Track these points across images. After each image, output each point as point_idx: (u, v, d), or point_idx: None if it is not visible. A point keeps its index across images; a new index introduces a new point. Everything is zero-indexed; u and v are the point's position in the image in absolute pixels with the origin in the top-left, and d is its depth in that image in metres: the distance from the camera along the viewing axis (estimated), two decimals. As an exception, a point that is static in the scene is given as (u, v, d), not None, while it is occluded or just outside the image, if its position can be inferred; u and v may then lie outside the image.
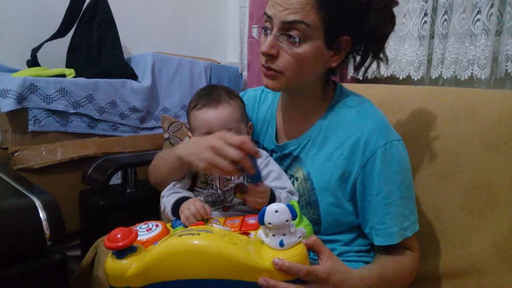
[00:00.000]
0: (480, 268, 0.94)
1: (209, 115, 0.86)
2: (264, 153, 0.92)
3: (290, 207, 0.65)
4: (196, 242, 0.65)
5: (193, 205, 0.78)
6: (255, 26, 0.88)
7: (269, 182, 0.86)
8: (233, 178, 0.85)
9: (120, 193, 1.60)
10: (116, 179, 1.60)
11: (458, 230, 0.97)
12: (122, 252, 0.67)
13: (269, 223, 0.63)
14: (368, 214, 0.83)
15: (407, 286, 0.87)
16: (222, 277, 0.64)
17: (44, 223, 0.99)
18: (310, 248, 0.70)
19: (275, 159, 0.93)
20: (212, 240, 0.65)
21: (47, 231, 0.99)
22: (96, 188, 1.53)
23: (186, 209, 0.78)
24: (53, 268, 1.00)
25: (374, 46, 0.86)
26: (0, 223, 0.95)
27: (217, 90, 0.90)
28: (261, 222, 0.65)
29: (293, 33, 0.78)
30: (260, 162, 0.87)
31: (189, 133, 0.94)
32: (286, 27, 0.78)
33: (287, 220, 0.64)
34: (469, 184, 0.95)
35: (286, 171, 0.91)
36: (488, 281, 0.93)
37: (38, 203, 1.01)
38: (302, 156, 0.89)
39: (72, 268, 1.25)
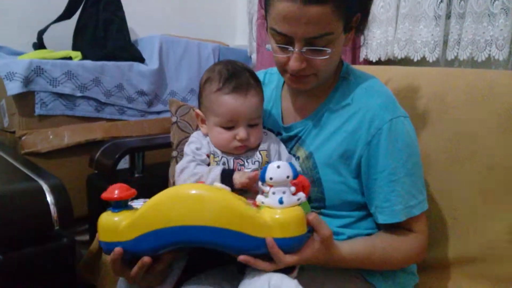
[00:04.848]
0: (495, 255, 0.92)
1: (238, 103, 0.81)
2: (273, 135, 0.90)
3: (291, 165, 0.66)
4: (196, 189, 0.66)
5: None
6: (268, 45, 0.82)
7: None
8: (247, 164, 0.83)
9: (128, 177, 1.59)
10: (124, 164, 1.59)
11: (472, 216, 0.95)
12: (117, 206, 0.67)
13: (271, 178, 0.64)
14: (373, 192, 0.82)
15: (403, 266, 0.86)
16: (220, 225, 0.63)
17: (52, 207, 0.99)
18: (308, 224, 0.70)
19: (280, 141, 0.91)
20: (215, 189, 0.67)
21: (54, 215, 0.99)
22: (104, 172, 1.52)
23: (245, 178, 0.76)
24: (61, 252, 1.01)
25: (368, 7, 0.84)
26: (8, 206, 0.95)
27: (244, 72, 0.85)
28: (263, 178, 0.66)
29: (320, 44, 0.75)
30: (272, 147, 0.87)
31: (198, 111, 0.89)
32: (310, 42, 0.75)
33: (288, 176, 0.65)
34: (484, 169, 0.93)
35: (289, 152, 0.90)
36: (502, 268, 0.91)
37: (45, 187, 1.01)
38: (306, 136, 0.88)
39: (80, 253, 1.26)
